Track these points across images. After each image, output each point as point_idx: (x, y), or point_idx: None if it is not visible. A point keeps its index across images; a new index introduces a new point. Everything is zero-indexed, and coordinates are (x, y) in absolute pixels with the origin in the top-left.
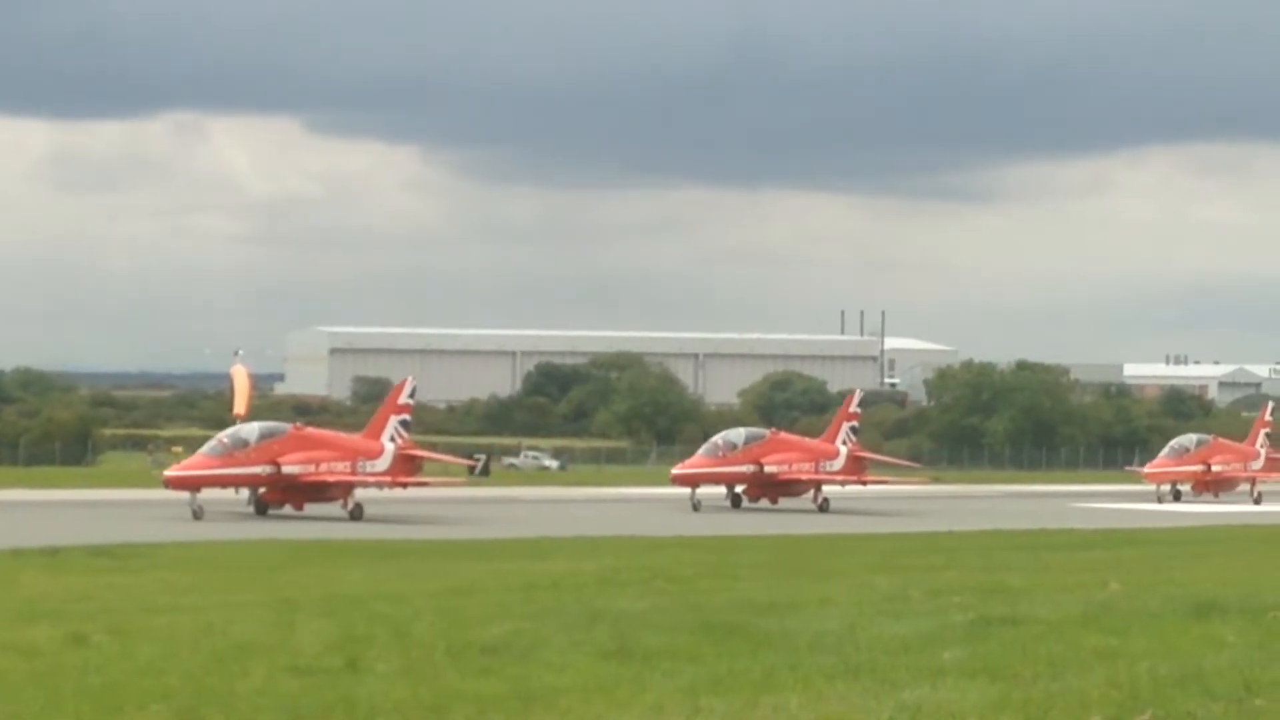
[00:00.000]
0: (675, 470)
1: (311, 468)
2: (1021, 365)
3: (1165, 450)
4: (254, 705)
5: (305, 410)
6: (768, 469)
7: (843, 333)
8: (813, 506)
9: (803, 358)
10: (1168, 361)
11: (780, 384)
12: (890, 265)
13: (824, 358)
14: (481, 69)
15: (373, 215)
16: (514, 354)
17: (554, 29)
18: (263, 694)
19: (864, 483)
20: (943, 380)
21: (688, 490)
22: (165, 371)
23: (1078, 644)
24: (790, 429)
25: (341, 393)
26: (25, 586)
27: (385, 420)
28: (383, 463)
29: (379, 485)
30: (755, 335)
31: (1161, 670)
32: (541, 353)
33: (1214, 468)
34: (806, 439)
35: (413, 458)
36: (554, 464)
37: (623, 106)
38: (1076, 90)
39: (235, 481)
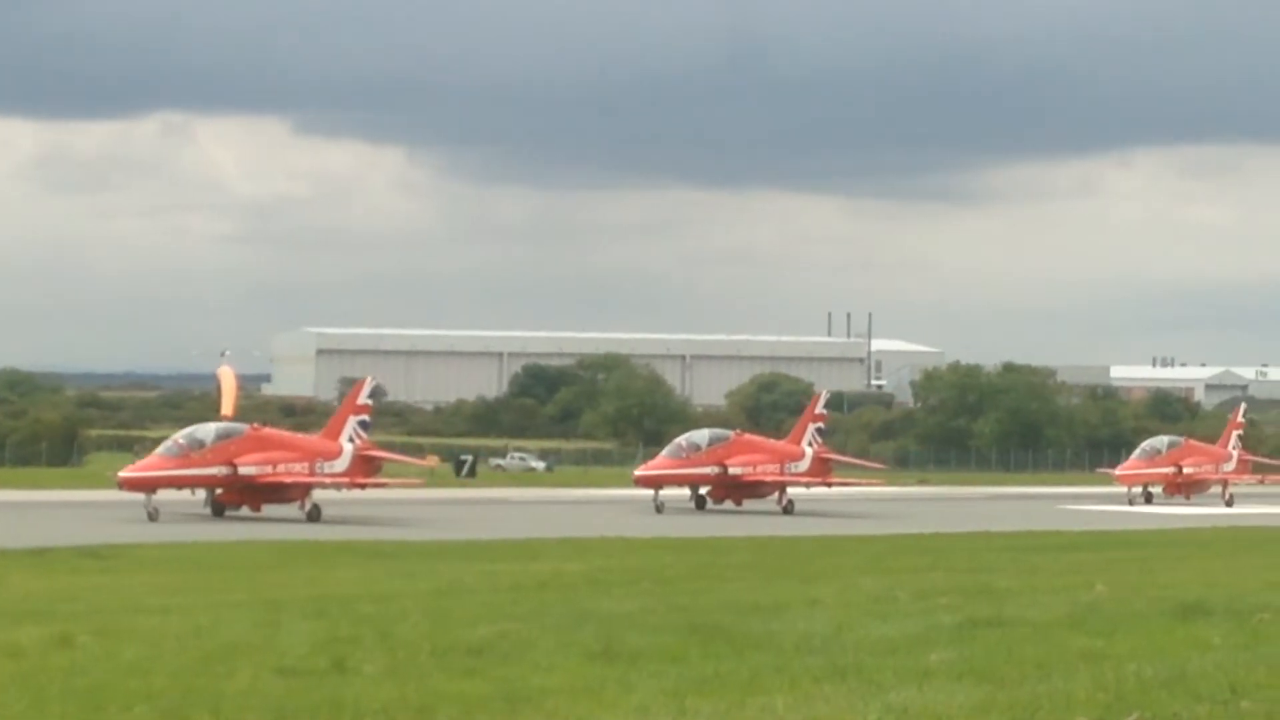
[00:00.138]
0: (638, 472)
1: (269, 469)
2: (1008, 367)
3: (1136, 452)
4: (240, 706)
5: (291, 411)
6: (732, 470)
7: (830, 334)
8: (777, 508)
9: (790, 359)
10: (1154, 364)
11: (767, 385)
12: (877, 267)
13: (811, 359)
14: (468, 69)
15: (359, 216)
16: (501, 355)
17: (541, 30)
18: (249, 695)
19: (829, 484)
20: (930, 382)
21: (650, 491)
22: (152, 372)
23: (1064, 646)
24: (777, 430)
25: (328, 394)
26: (12, 587)
27: (344, 421)
28: (341, 463)
29: (337, 486)
30: (742, 337)
31: (1147, 672)
32: (528, 354)
33: (1185, 470)
34: (771, 440)
35: (372, 459)
36: (541, 465)
37: (610, 107)
38: (1065, 92)
39: (191, 482)
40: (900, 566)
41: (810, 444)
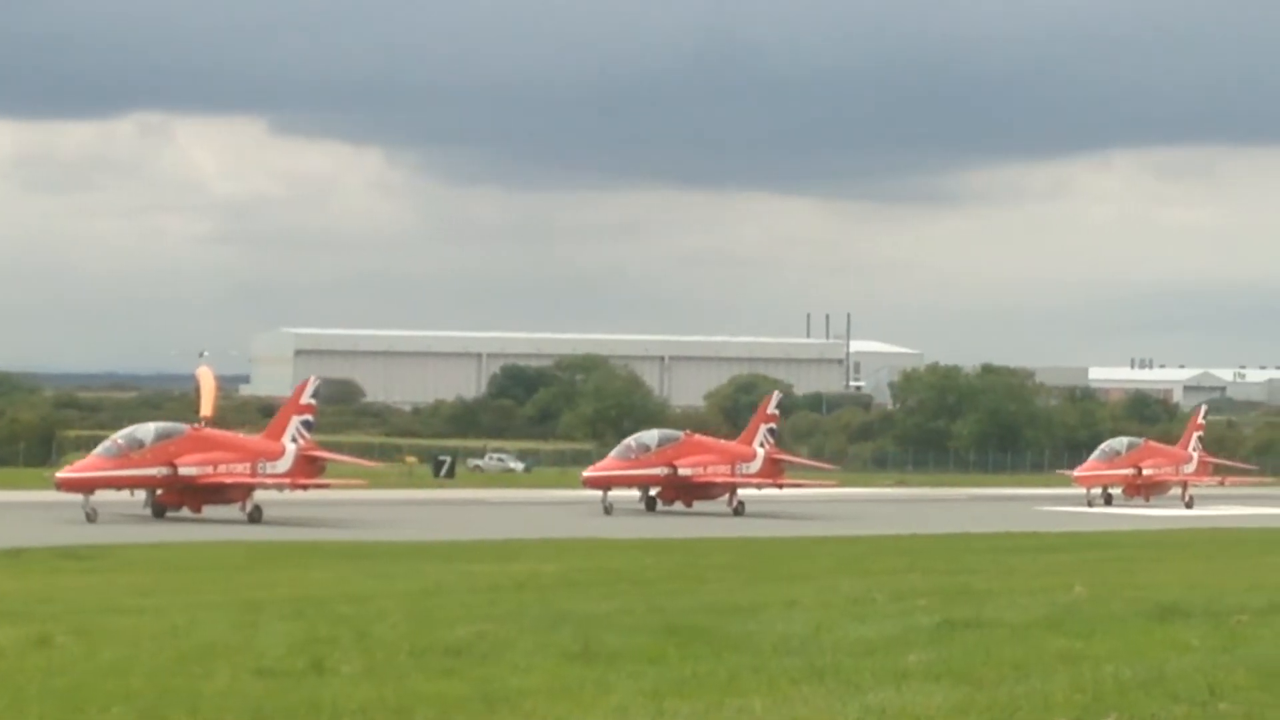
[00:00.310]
0: (586, 473)
1: (209, 469)
2: (987, 368)
3: (1095, 454)
4: (218, 707)
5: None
6: (681, 471)
7: (809, 335)
8: (728, 510)
9: (768, 360)
10: (1133, 365)
11: (746, 386)
12: (856, 268)
13: (790, 360)
14: (447, 70)
15: (338, 216)
16: (479, 356)
17: (519, 31)
18: (227, 695)
19: (780, 486)
20: (908, 383)
21: (599, 493)
22: (131, 373)
23: (1042, 647)
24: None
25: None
26: None
27: (287, 421)
28: (283, 464)
29: (279, 487)
30: (721, 338)
31: (1125, 673)
32: (507, 355)
33: (1145, 471)
34: (722, 441)
35: (315, 459)
36: (519, 466)
37: (588, 108)
38: (1041, 94)
39: (130, 483)
40: (878, 568)
41: (762, 445)
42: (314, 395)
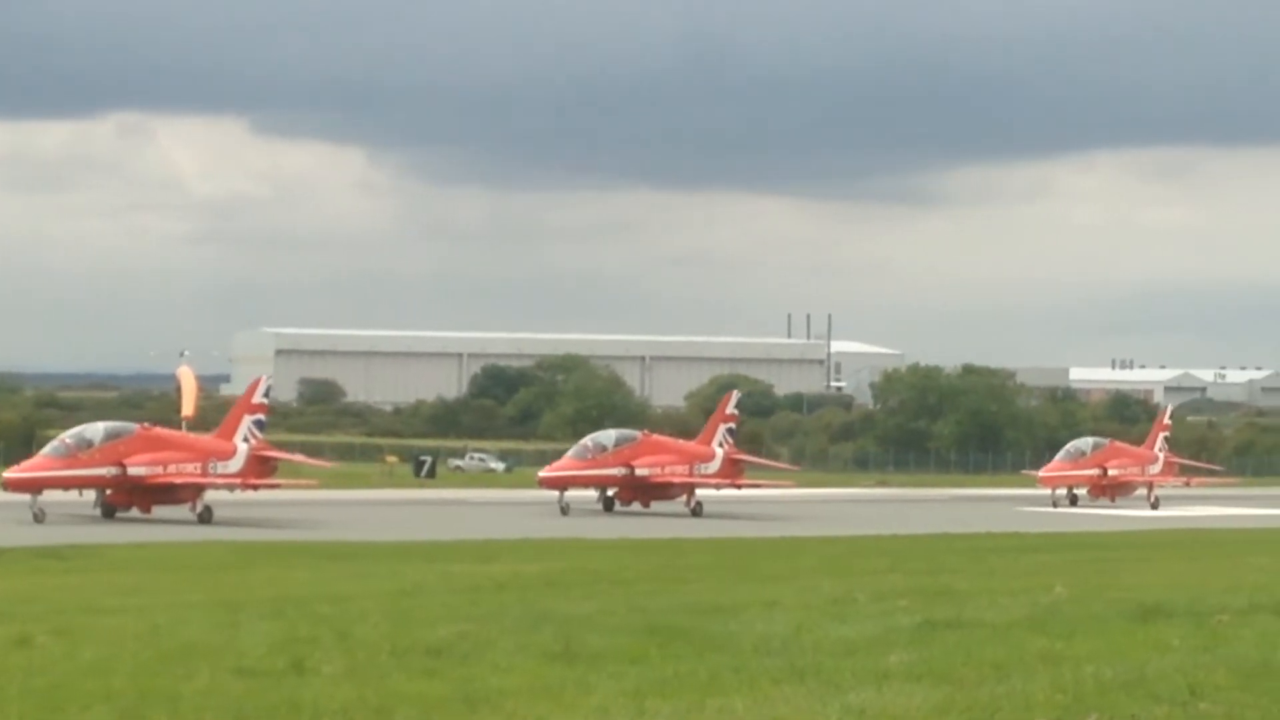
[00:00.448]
0: (542, 473)
1: (159, 469)
2: (968, 369)
3: (1060, 454)
4: (199, 707)
5: None
6: (639, 472)
7: (789, 336)
8: (685, 510)
9: (749, 361)
10: (1114, 366)
11: (727, 387)
12: (837, 269)
13: (771, 361)
14: (427, 70)
15: (319, 216)
16: (460, 356)
17: (500, 31)
18: (208, 695)
19: (738, 486)
20: (889, 383)
21: (555, 493)
22: (111, 372)
23: (1023, 647)
24: (735, 432)
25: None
26: None
27: (238, 420)
28: (235, 464)
29: (230, 487)
30: (702, 338)
31: (1106, 673)
32: (488, 355)
33: (1110, 471)
34: (681, 441)
35: (267, 459)
36: (500, 466)
37: (570, 108)
38: (1022, 94)
39: (78, 483)
40: (859, 568)
41: (721, 445)
42: (265, 395)
